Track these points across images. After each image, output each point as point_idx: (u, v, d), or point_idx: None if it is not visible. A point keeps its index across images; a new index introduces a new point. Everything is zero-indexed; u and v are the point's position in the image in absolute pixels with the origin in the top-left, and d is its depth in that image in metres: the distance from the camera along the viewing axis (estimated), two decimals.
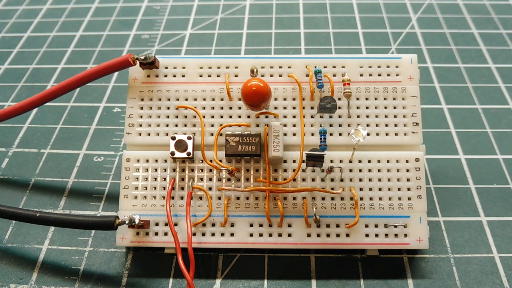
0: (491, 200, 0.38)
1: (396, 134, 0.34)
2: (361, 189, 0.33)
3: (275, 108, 0.35)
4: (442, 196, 0.38)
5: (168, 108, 0.35)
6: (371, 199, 0.33)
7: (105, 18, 0.60)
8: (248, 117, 0.35)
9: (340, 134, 0.34)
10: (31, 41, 0.57)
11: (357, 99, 0.35)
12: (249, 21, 0.58)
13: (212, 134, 0.34)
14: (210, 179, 0.34)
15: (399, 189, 0.33)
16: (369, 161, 0.34)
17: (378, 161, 0.34)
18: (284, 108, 0.35)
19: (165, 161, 0.34)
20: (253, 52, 0.53)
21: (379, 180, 0.33)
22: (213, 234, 0.33)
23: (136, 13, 0.60)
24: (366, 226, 0.33)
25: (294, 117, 0.34)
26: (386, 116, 0.34)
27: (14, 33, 0.58)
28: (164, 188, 0.34)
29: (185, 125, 0.35)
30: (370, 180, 0.33)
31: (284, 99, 0.35)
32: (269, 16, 0.59)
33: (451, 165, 0.41)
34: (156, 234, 0.33)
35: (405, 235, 0.33)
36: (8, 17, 0.61)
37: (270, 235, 0.33)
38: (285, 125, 0.34)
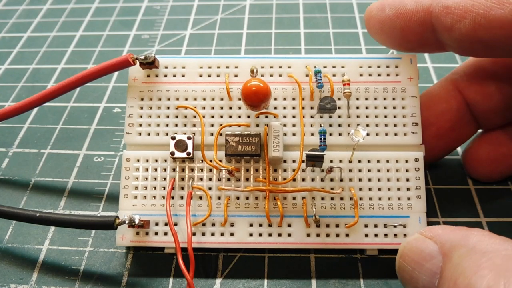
0: (491, 201, 0.38)
1: (395, 134, 0.34)
2: (360, 189, 0.33)
3: (275, 108, 0.35)
4: (442, 197, 0.38)
5: (168, 108, 0.35)
6: (370, 199, 0.33)
7: (105, 18, 0.60)
8: (248, 117, 0.35)
9: (339, 134, 0.34)
10: (31, 41, 0.57)
11: (357, 99, 0.35)
12: (249, 21, 0.58)
13: (212, 134, 0.34)
14: (210, 179, 0.34)
15: (398, 189, 0.33)
16: (368, 161, 0.34)
17: (378, 161, 0.34)
18: (284, 108, 0.35)
19: (165, 161, 0.34)
20: (253, 52, 0.53)
21: (379, 180, 0.33)
22: (213, 234, 0.33)
23: (136, 13, 0.60)
24: (366, 226, 0.33)
25: (294, 117, 0.34)
26: (385, 116, 0.34)
27: (14, 33, 0.58)
28: (164, 188, 0.34)
29: (185, 125, 0.35)
30: (369, 180, 0.33)
31: (284, 99, 0.35)
32: (269, 16, 0.59)
33: (451, 165, 0.41)
34: (156, 234, 0.33)
35: (405, 235, 0.33)
36: (8, 17, 0.61)
37: (270, 235, 0.33)
38: (285, 125, 0.34)
